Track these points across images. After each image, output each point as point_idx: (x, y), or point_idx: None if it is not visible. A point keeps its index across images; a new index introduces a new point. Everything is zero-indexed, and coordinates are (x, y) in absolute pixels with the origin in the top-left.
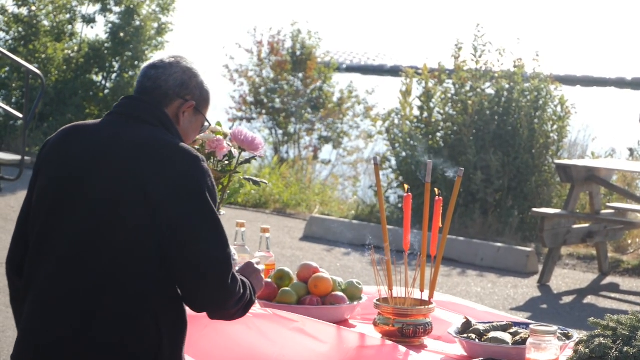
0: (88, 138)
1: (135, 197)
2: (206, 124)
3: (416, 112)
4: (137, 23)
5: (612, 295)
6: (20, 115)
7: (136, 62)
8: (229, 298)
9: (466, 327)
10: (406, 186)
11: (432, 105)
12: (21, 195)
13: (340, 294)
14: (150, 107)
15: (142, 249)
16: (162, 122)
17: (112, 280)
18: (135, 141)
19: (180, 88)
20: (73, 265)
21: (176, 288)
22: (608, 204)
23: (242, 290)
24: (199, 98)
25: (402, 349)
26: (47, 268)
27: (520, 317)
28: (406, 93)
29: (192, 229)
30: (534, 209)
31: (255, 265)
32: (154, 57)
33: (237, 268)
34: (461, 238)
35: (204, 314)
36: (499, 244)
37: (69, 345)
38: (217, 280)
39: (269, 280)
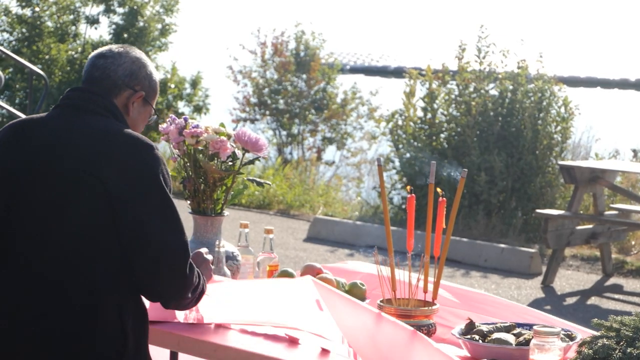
0: (37, 132)
1: (92, 188)
2: (154, 116)
3: (420, 113)
4: (141, 24)
5: (616, 296)
6: (24, 117)
7: None
8: (187, 287)
9: (470, 328)
10: (409, 187)
11: (435, 106)
12: None
13: None
14: (99, 98)
15: (103, 242)
16: (111, 112)
17: (72, 274)
18: (87, 131)
19: (129, 78)
20: (33, 260)
21: (135, 280)
22: (612, 205)
23: (198, 280)
24: (148, 88)
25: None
26: (6, 265)
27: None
28: (410, 94)
29: (151, 220)
30: (538, 210)
31: (205, 255)
32: (147, 53)
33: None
34: (465, 239)
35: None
36: (503, 245)
37: (31, 342)
38: (177, 270)
39: None
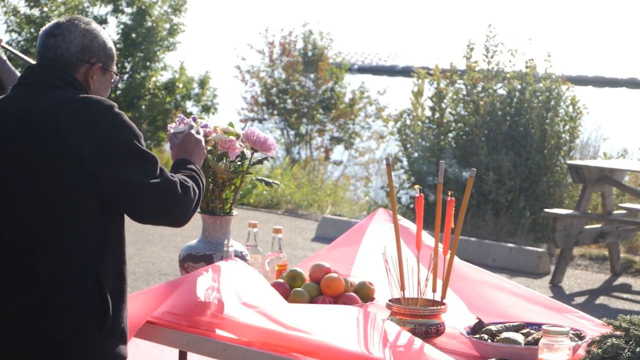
0: (1, 113)
1: (64, 158)
2: (116, 77)
3: (428, 113)
4: (149, 24)
5: (624, 295)
6: None
7: (148, 63)
8: (189, 207)
9: (478, 328)
10: (417, 187)
11: (443, 105)
12: None
13: (352, 294)
14: (59, 72)
15: (79, 212)
16: (72, 84)
17: (50, 246)
18: (49, 105)
19: (83, 53)
20: (7, 236)
21: (114, 252)
22: (620, 205)
23: (196, 191)
24: (104, 57)
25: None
26: None
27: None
28: (418, 93)
29: (132, 175)
30: (546, 210)
31: (196, 136)
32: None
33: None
34: (473, 238)
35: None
36: (511, 245)
37: (7, 316)
38: (174, 204)
39: (281, 280)
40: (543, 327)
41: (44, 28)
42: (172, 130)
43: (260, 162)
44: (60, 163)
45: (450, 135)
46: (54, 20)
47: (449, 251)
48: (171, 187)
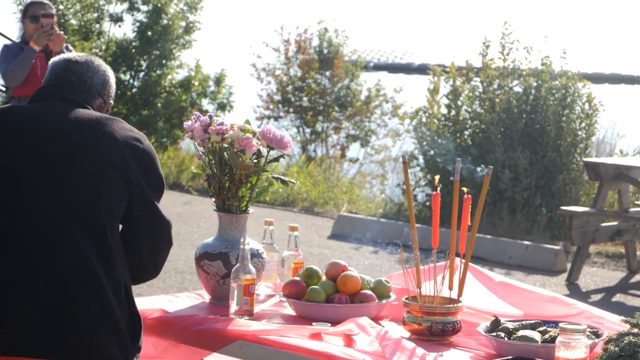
0: (32, 121)
1: (110, 169)
2: None
3: (444, 110)
4: (165, 22)
5: None
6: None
7: (164, 61)
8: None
9: (495, 326)
10: (437, 177)
11: (459, 103)
12: None
13: (368, 292)
14: (84, 94)
15: (119, 223)
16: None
17: (110, 259)
18: (90, 120)
19: (102, 87)
20: (45, 245)
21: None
22: (637, 202)
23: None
24: (112, 100)
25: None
26: (19, 248)
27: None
28: (434, 91)
29: (154, 204)
30: (562, 207)
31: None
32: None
33: None
34: (489, 236)
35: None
36: (527, 242)
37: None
38: (169, 240)
39: (298, 278)
40: (560, 324)
41: (60, 56)
42: None
43: (276, 159)
44: (109, 171)
45: (466, 133)
46: (68, 55)
47: (466, 249)
48: (169, 227)
